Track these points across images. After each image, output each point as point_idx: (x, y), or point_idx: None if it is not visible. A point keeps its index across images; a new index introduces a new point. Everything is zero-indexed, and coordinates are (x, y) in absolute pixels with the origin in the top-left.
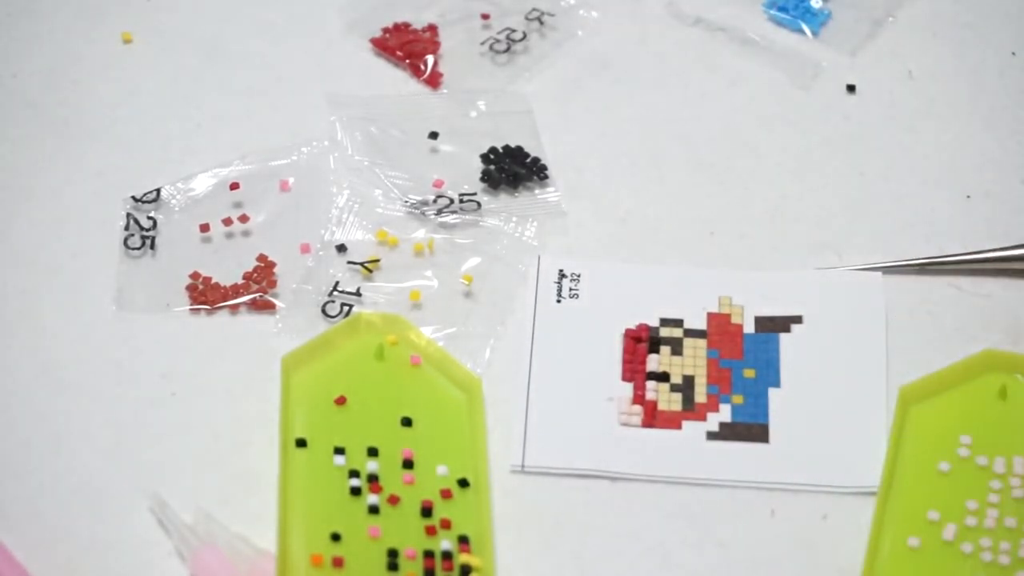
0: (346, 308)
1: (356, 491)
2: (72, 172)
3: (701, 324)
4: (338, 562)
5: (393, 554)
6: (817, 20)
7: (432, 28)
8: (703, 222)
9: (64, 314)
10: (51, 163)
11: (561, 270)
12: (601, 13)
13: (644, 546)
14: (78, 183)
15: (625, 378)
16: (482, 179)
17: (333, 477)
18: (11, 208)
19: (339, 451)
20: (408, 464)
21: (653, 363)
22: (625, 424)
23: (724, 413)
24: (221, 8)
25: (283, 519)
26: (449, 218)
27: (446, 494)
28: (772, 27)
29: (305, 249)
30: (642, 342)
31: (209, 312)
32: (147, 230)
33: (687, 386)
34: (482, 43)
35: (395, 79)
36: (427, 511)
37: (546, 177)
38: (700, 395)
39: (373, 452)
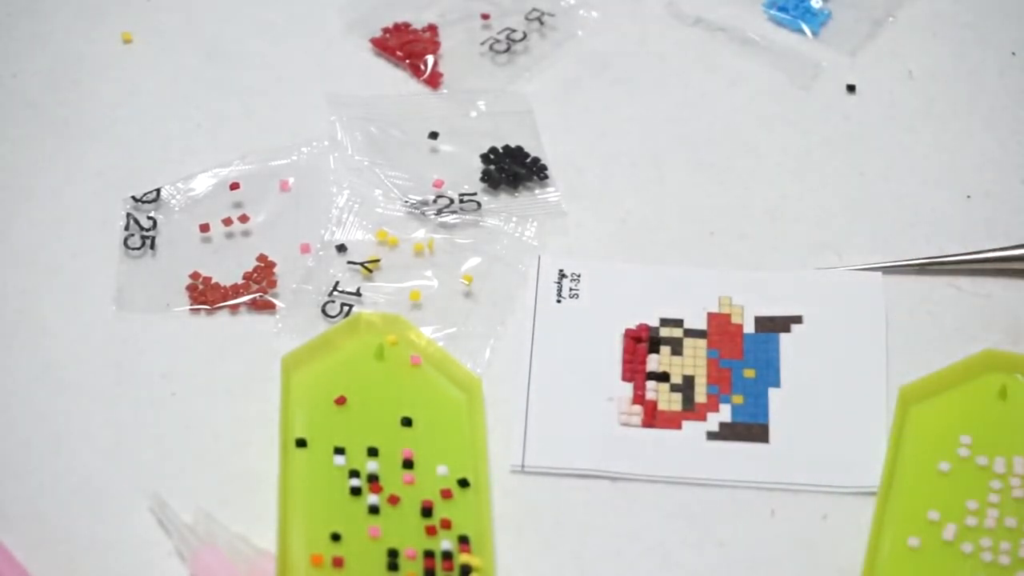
0: (346, 308)
1: (356, 491)
2: (72, 172)
3: (701, 324)
4: (338, 562)
5: (393, 554)
6: (817, 20)
7: (432, 28)
8: (703, 222)
9: (64, 314)
10: (51, 163)
11: (561, 270)
12: (601, 13)
13: (644, 546)
14: (78, 183)
15: (625, 378)
16: (482, 179)
17: (333, 477)
18: (11, 208)
19: (339, 451)
20: (408, 464)
21: (653, 363)
22: (625, 424)
23: (724, 413)
24: (221, 8)
25: (283, 519)
26: (449, 218)
27: (446, 494)
28: (772, 27)
29: (305, 249)
30: (642, 342)
31: (209, 312)
32: (147, 230)
33: (687, 386)
34: (482, 43)
35: (395, 79)
36: (427, 511)
37: (546, 177)
38: (700, 395)
39: (373, 452)
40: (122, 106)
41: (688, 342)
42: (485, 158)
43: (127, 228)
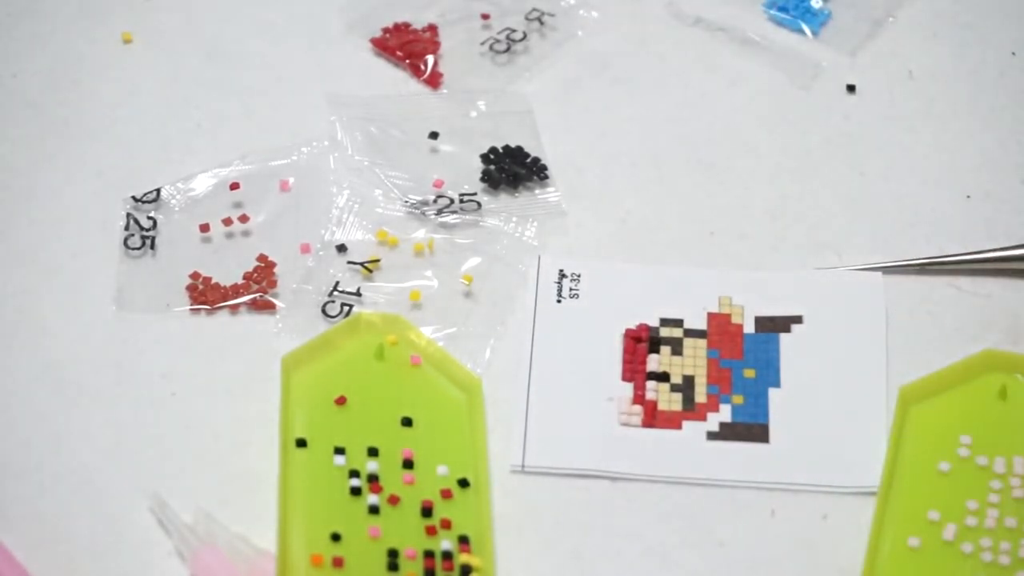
0: (346, 308)
1: (356, 491)
2: (72, 172)
3: (701, 324)
4: (338, 562)
5: (393, 554)
6: (817, 20)
7: (432, 28)
8: (703, 222)
9: (64, 314)
10: (51, 163)
11: (561, 270)
12: (601, 13)
13: (644, 546)
14: (78, 183)
15: (625, 378)
16: (482, 179)
17: (333, 477)
18: (11, 208)
19: (339, 451)
20: (408, 464)
21: (653, 363)
22: (625, 424)
23: (724, 413)
24: (221, 8)
25: (283, 519)
26: (449, 218)
27: (446, 494)
28: (772, 27)
29: (305, 249)
30: (642, 342)
31: (209, 312)
32: (147, 230)
33: (687, 386)
34: (482, 43)
35: (395, 79)
36: (427, 511)
37: (546, 177)
38: (700, 395)
39: (373, 452)
40: (122, 106)
41: (688, 342)
42: (485, 158)
43: (127, 228)
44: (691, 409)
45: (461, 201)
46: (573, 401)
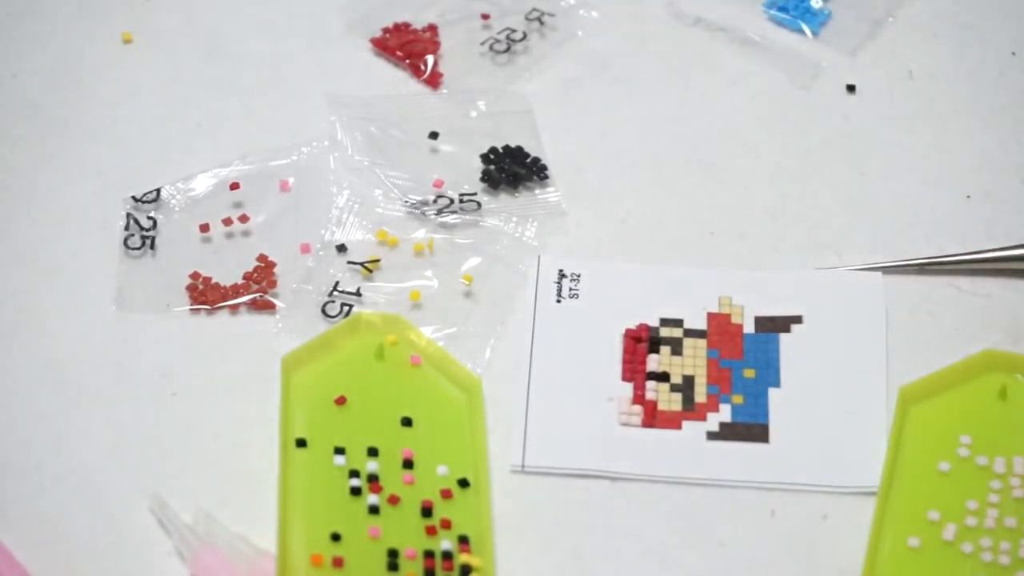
0: (346, 308)
1: (356, 491)
2: (72, 172)
3: (701, 324)
4: (338, 562)
5: (393, 554)
6: (817, 20)
7: (432, 28)
8: (703, 222)
9: (64, 314)
10: (51, 163)
11: (561, 270)
12: (601, 13)
13: (644, 546)
14: (78, 183)
15: (625, 378)
16: (482, 179)
17: (333, 477)
18: (11, 208)
19: (339, 451)
20: (408, 464)
21: (653, 363)
22: (625, 424)
23: (724, 413)
24: (221, 8)
25: (283, 519)
26: (449, 218)
27: (446, 494)
28: (772, 27)
29: (305, 249)
30: (642, 342)
31: (209, 312)
32: (147, 230)
33: (687, 386)
34: (482, 43)
35: (395, 79)
36: (427, 511)
37: (546, 177)
38: (700, 395)
39: (373, 452)
40: (122, 106)
41: (688, 342)
42: (485, 158)
43: (127, 228)
44: (691, 409)
45: (461, 201)
46: (573, 401)
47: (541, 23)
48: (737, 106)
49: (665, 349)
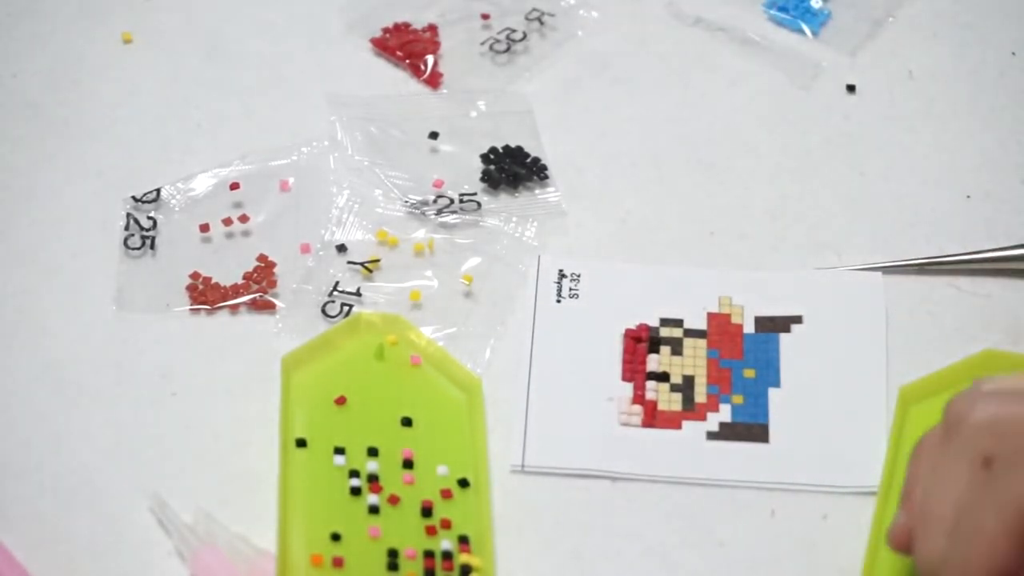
0: (346, 308)
1: (356, 491)
2: (72, 172)
3: (701, 324)
4: (338, 562)
5: (393, 554)
6: (817, 20)
7: (432, 28)
8: (703, 222)
9: (64, 314)
10: (51, 163)
11: (561, 270)
12: (601, 13)
13: (644, 546)
14: (78, 183)
15: (625, 378)
16: (482, 179)
17: (333, 477)
18: (11, 208)
19: (339, 451)
20: (408, 464)
21: (653, 363)
22: (625, 424)
23: (724, 413)
24: (221, 8)
25: (283, 519)
26: (449, 218)
27: (446, 494)
28: (772, 27)
29: (305, 249)
30: (642, 342)
31: (209, 312)
32: (147, 230)
33: (687, 386)
34: (482, 43)
35: (395, 79)
36: (427, 511)
37: (546, 177)
38: (700, 395)
39: (373, 452)
40: (122, 106)
41: (688, 342)
42: (485, 158)
43: (127, 228)
44: (691, 409)
45: (461, 201)
46: (573, 401)
47: (541, 23)
48: (737, 106)
49: (665, 349)
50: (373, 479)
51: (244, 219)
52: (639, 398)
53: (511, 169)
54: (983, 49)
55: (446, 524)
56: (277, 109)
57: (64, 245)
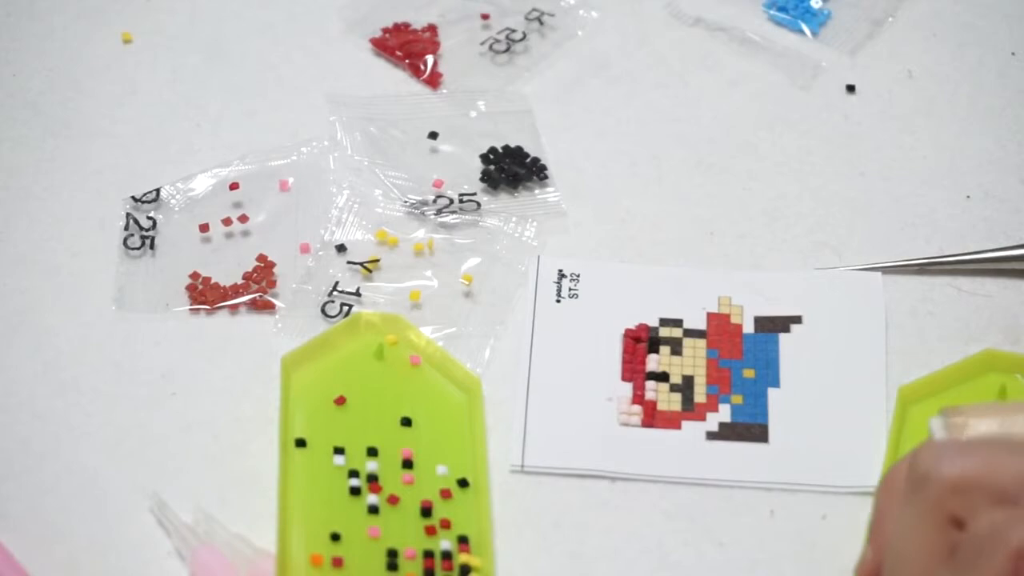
0: (346, 308)
1: (356, 491)
2: (72, 172)
3: (701, 324)
4: (338, 562)
5: (393, 554)
6: (817, 20)
7: (432, 28)
8: (703, 222)
9: (64, 314)
10: (51, 163)
11: (561, 270)
12: (601, 13)
13: (643, 546)
14: (78, 183)
15: (625, 378)
16: (482, 179)
17: (333, 477)
18: (11, 208)
19: (339, 451)
20: (408, 464)
21: (653, 363)
22: (625, 424)
23: (724, 413)
24: (221, 8)
25: (283, 519)
26: (449, 218)
27: (446, 494)
28: (772, 27)
29: (305, 249)
30: (642, 342)
31: (209, 312)
32: (147, 230)
33: (687, 386)
34: (482, 43)
35: (395, 79)
36: (427, 511)
37: (546, 177)
38: (700, 395)
39: (373, 452)
40: (122, 106)
41: (688, 342)
42: (485, 158)
43: (127, 228)
44: (690, 409)
45: (461, 201)
46: (573, 401)
47: (541, 23)
48: (737, 106)
49: (665, 349)
50: (373, 479)
51: (244, 219)
52: (639, 398)
53: (511, 169)
54: (983, 49)
55: (446, 524)
56: (277, 109)
57: (64, 245)
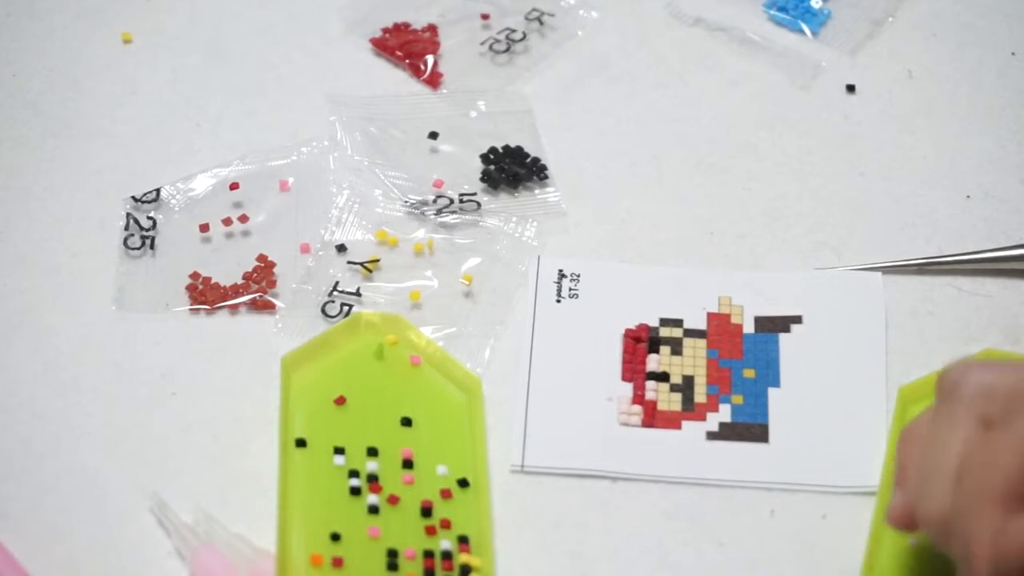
0: (346, 308)
1: (356, 491)
2: (72, 172)
3: (701, 324)
4: (338, 562)
5: (393, 554)
6: (817, 20)
7: (432, 28)
8: (703, 222)
9: (64, 314)
10: (51, 163)
11: (561, 270)
12: (601, 13)
13: (643, 546)
14: (78, 183)
15: (625, 378)
16: (482, 179)
17: (333, 477)
18: (11, 208)
19: (339, 451)
20: (408, 464)
21: (653, 363)
22: (625, 424)
23: (724, 413)
24: (221, 8)
25: (283, 519)
26: (449, 218)
27: (446, 494)
28: (772, 27)
29: (305, 249)
30: (642, 342)
31: (209, 312)
32: (147, 230)
33: (687, 386)
34: (482, 43)
35: (395, 79)
36: (427, 511)
37: (546, 177)
38: (700, 395)
39: (373, 452)
40: (122, 106)
41: (688, 342)
42: (485, 158)
43: (127, 228)
44: (691, 409)
45: (461, 201)
46: (573, 401)
47: (541, 23)
48: (737, 106)
49: (665, 349)
50: (373, 479)
51: (244, 219)
52: (639, 398)
53: (511, 169)
54: (983, 49)
55: (446, 524)
56: (277, 109)
57: (64, 245)
